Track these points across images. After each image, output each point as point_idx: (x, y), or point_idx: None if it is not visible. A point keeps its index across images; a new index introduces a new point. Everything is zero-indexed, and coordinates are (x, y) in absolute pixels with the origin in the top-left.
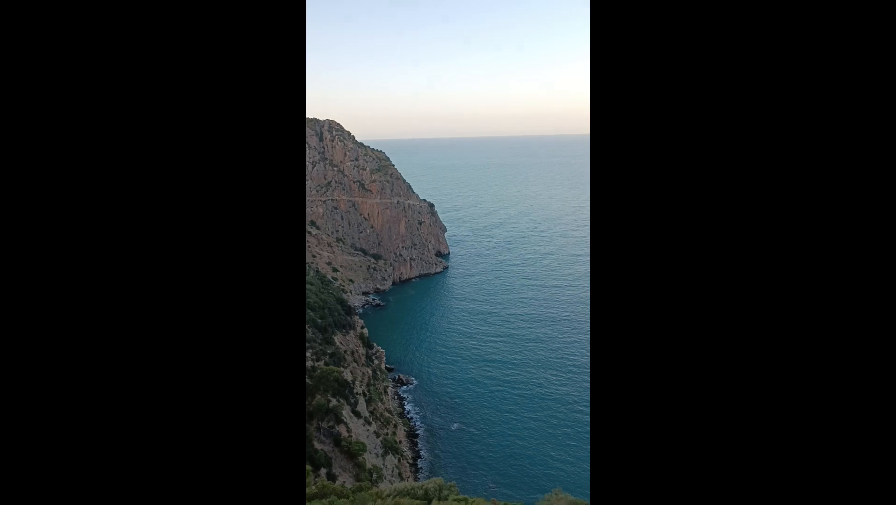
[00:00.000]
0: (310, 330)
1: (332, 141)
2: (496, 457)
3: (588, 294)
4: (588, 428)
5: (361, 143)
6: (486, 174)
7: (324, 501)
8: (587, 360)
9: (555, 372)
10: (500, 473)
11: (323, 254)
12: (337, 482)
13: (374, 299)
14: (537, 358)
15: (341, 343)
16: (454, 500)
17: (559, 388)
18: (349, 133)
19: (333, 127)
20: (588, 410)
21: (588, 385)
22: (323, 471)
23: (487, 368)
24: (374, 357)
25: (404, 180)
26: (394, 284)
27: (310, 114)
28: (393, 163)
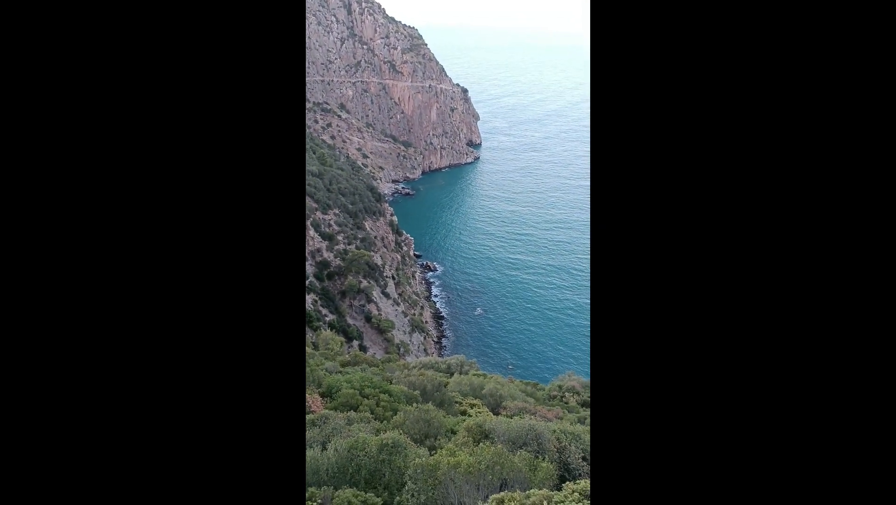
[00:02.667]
0: (341, 215)
1: (362, 15)
2: (515, 341)
3: None
4: None
5: (392, 19)
6: (527, 56)
7: (356, 367)
8: None
9: (577, 265)
10: (517, 355)
11: (353, 139)
12: (367, 353)
13: (403, 188)
14: (566, 248)
15: (371, 229)
16: (474, 374)
17: (580, 277)
18: (379, 6)
19: None
20: None
21: None
22: (355, 343)
23: (512, 257)
24: (402, 244)
25: (437, 62)
26: (423, 172)
27: None
28: (426, 42)
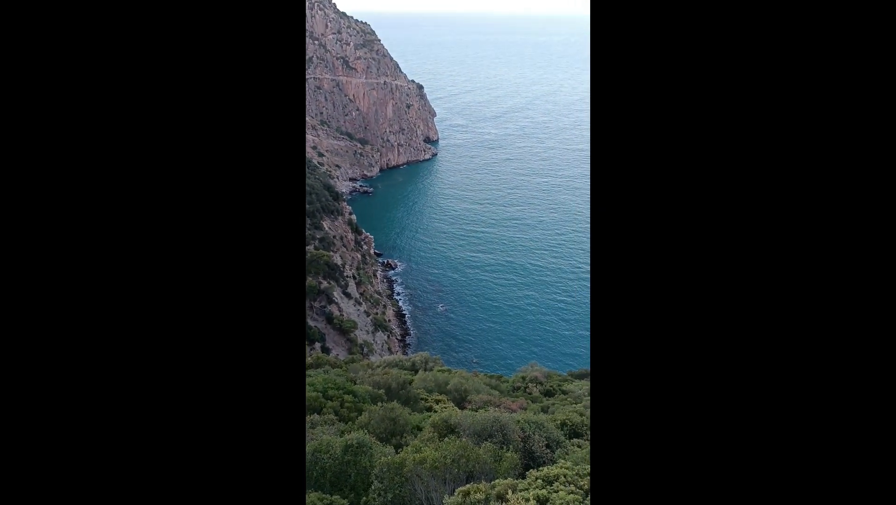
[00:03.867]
0: None
1: (311, 10)
2: (478, 337)
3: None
4: (565, 307)
5: (344, 14)
6: (481, 52)
7: (319, 370)
8: (565, 244)
9: (534, 259)
10: (482, 350)
11: (308, 137)
12: (330, 355)
13: (361, 186)
14: (524, 245)
15: (330, 228)
16: (439, 371)
17: (538, 275)
18: (330, 0)
19: None
20: (567, 296)
21: (564, 278)
22: (318, 345)
23: (472, 256)
24: (362, 243)
25: (391, 58)
26: (381, 170)
27: None
28: (379, 38)
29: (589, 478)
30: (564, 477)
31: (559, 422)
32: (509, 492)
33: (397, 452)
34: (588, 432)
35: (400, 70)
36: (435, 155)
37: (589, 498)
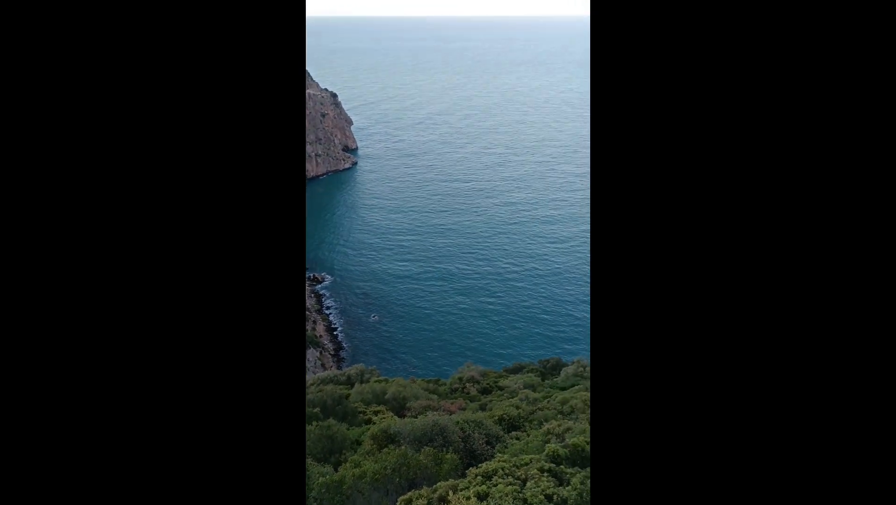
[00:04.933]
0: None
1: None
2: (413, 344)
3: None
4: (491, 304)
5: None
6: (397, 59)
7: None
8: (489, 248)
9: (460, 264)
10: (418, 356)
11: None
12: None
13: None
14: (447, 251)
15: None
16: (375, 381)
17: (466, 280)
18: None
19: None
20: (494, 290)
21: (490, 269)
22: None
23: (401, 263)
24: None
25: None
26: None
27: None
28: None
29: (526, 467)
30: (503, 470)
31: (497, 417)
32: (450, 493)
33: (336, 470)
34: (525, 424)
35: (312, 78)
36: (355, 164)
37: (526, 486)
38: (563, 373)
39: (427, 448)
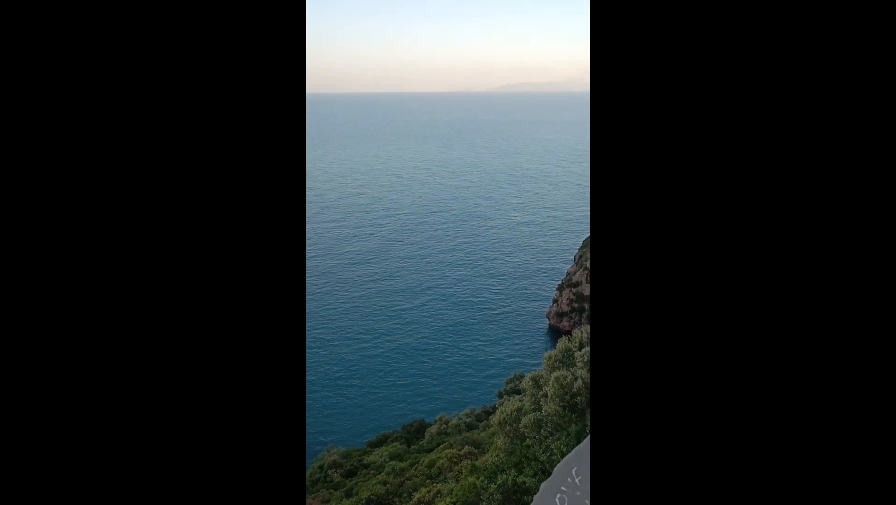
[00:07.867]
0: None
1: None
2: None
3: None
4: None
5: None
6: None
7: None
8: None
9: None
10: None
11: None
12: None
13: None
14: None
15: None
16: None
17: (334, 348)
18: None
19: None
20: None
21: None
22: None
23: None
24: None
25: None
26: None
27: None
28: None
29: None
30: None
31: (364, 501)
32: None
33: None
34: (395, 500)
35: None
36: None
37: None
38: (426, 434)
39: None
